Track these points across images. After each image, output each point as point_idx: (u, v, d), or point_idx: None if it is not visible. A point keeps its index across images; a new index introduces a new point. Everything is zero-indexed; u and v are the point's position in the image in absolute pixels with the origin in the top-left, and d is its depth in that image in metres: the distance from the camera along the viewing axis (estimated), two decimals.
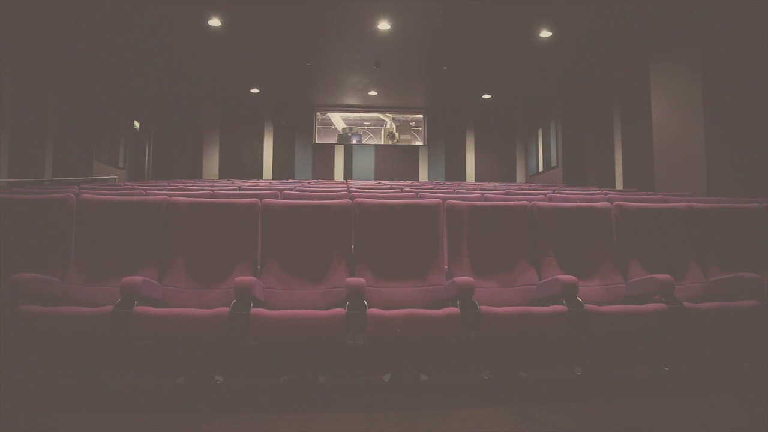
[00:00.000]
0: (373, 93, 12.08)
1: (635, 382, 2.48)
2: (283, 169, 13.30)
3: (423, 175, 13.68)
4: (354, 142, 13.61)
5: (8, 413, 2.02)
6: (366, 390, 2.37)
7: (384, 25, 7.88)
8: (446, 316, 2.22)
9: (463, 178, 13.65)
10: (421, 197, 3.91)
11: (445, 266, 2.86)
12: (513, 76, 10.50)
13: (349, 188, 5.29)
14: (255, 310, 2.17)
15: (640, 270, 2.90)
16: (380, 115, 13.77)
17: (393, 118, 13.80)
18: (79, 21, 7.45)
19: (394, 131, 13.79)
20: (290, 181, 10.30)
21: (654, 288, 2.49)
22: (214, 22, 7.69)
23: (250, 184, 6.92)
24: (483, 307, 2.26)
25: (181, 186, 5.71)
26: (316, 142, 13.51)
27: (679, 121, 7.12)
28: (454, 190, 5.69)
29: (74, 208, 2.77)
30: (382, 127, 13.79)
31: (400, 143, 13.77)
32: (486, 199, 4.01)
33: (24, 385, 2.32)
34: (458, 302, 2.30)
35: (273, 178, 12.87)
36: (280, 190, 4.34)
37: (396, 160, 13.68)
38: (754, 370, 2.57)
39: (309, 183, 7.49)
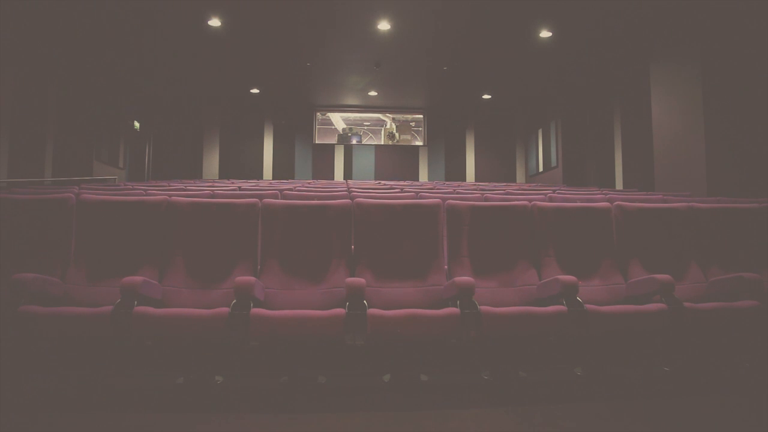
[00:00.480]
0: (373, 93, 12.08)
1: (635, 382, 2.48)
2: (283, 170, 13.30)
3: (423, 175, 13.67)
4: (354, 142, 13.60)
5: (8, 413, 2.02)
6: (366, 390, 2.37)
7: (384, 25, 7.88)
8: (446, 316, 2.22)
9: (463, 179, 13.64)
10: (421, 197, 3.91)
11: (445, 266, 2.86)
12: (513, 76, 10.49)
13: (349, 188, 5.29)
14: (255, 310, 2.17)
15: (640, 270, 2.90)
16: (380, 115, 13.77)
17: (393, 118, 13.80)
18: (79, 21, 7.45)
19: (394, 131, 13.79)
20: (290, 181, 10.29)
21: (654, 288, 2.49)
22: (214, 22, 7.70)
23: (250, 184, 6.92)
24: (483, 307, 2.26)
25: (181, 186, 5.71)
26: (316, 142, 13.51)
27: (679, 121, 7.12)
28: (454, 190, 5.68)
29: (74, 208, 2.77)
30: (382, 127, 13.79)
31: (400, 143, 13.77)
32: (486, 200, 4.01)
33: (24, 385, 2.32)
34: (458, 302, 2.30)
35: (273, 179, 12.87)
36: (280, 190, 4.34)
37: (396, 160, 13.68)
38: (754, 370, 2.57)
39: (309, 183, 7.49)
